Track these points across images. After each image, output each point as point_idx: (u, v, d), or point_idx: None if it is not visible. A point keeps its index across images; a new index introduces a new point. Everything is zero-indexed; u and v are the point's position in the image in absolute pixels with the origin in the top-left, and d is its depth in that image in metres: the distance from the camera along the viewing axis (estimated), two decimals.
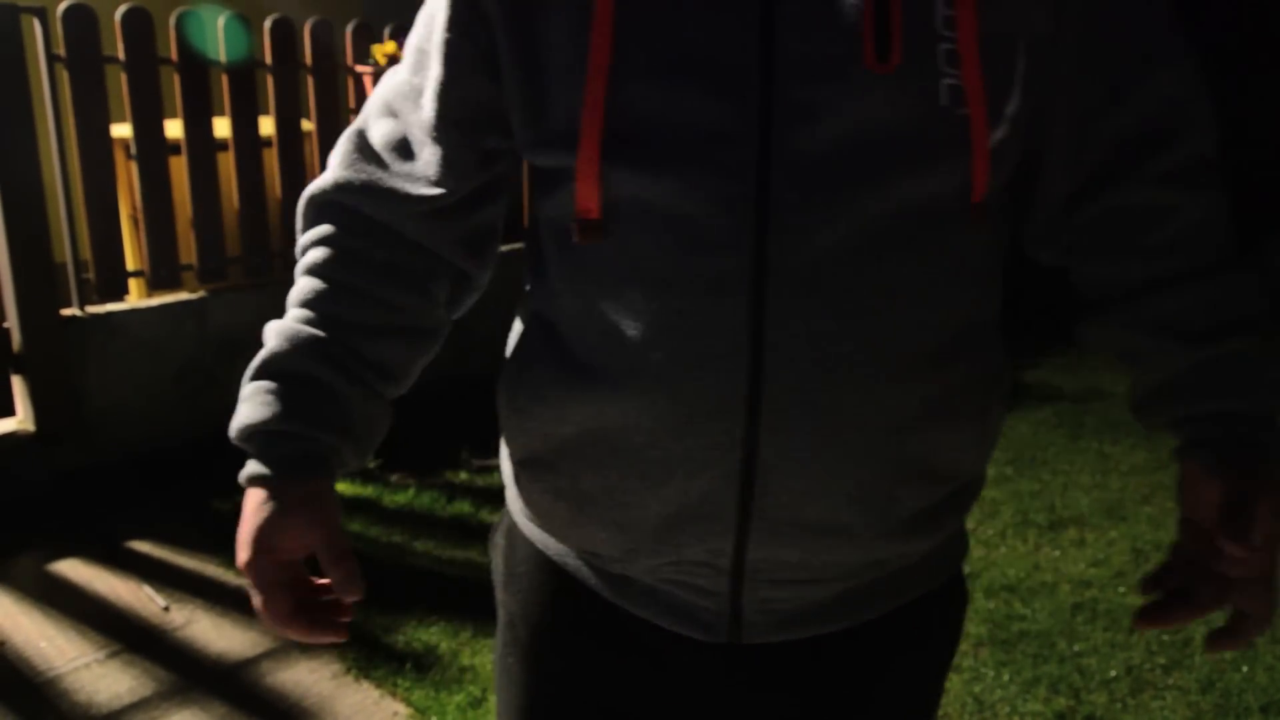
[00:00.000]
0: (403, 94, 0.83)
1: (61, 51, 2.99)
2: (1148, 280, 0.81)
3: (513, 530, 0.93)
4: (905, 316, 0.73)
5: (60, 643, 2.30)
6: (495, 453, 0.86)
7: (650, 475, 0.76)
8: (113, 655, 2.26)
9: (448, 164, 0.81)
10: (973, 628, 2.40)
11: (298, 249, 0.85)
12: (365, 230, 0.82)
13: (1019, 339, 0.88)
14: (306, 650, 2.28)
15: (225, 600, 2.49)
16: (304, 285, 0.83)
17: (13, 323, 2.98)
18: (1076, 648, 2.34)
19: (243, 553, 0.76)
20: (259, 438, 0.78)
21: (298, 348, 0.79)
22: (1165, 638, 2.38)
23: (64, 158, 3.08)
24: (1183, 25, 0.80)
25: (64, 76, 3.00)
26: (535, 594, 0.90)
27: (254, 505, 0.76)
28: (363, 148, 0.84)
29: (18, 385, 3.04)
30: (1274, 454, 0.78)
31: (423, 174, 0.81)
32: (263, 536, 0.75)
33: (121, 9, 3.07)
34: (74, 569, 2.61)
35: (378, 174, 0.82)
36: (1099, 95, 0.78)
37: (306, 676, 2.20)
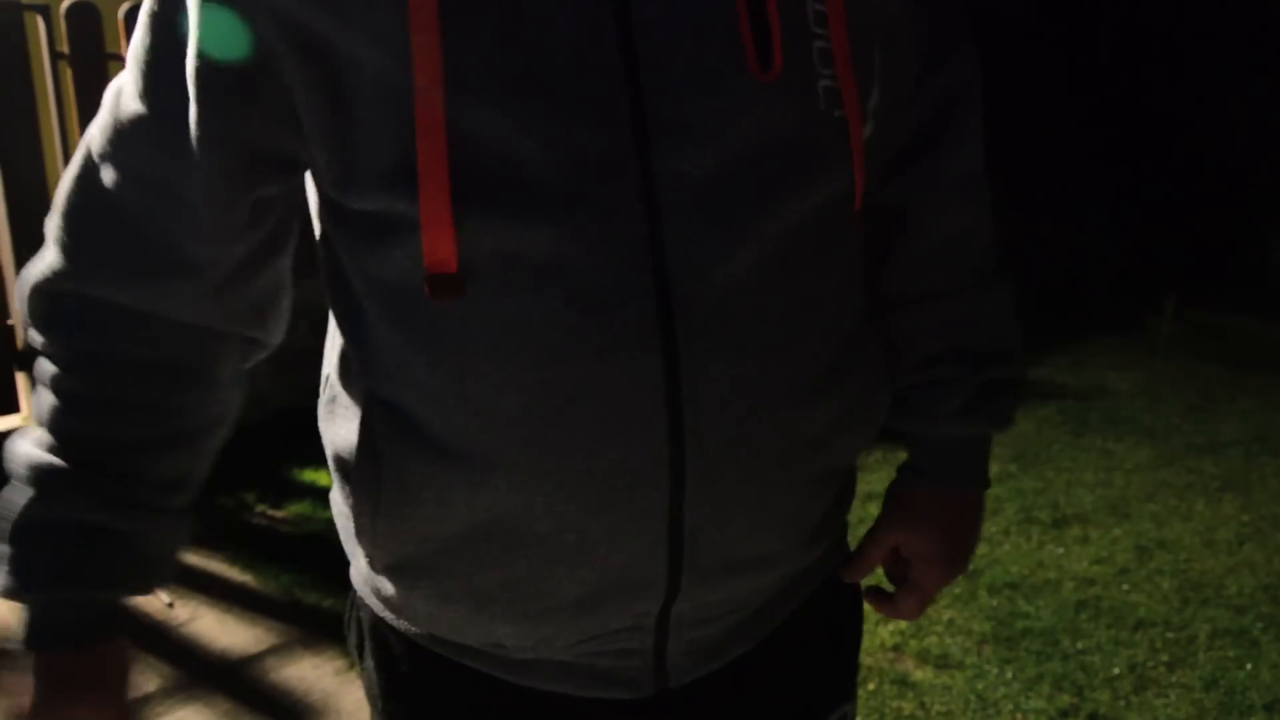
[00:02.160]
0: (143, 136, 0.64)
1: (65, 49, 2.99)
2: (893, 294, 0.82)
3: (379, 629, 0.80)
4: (813, 333, 0.68)
5: None
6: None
7: (564, 560, 0.67)
8: None
9: (218, 229, 0.65)
10: (976, 625, 2.40)
11: (38, 346, 0.68)
12: (123, 328, 0.66)
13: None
14: (310, 647, 2.29)
15: (229, 596, 2.49)
16: (56, 405, 0.67)
17: (17, 319, 2.99)
18: (1080, 645, 2.34)
19: None
20: (31, 607, 0.66)
21: (62, 493, 0.65)
22: (1170, 635, 2.38)
23: (67, 154, 3.08)
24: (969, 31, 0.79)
25: (67, 74, 3.01)
26: (427, 694, 0.79)
27: (25, 686, 0.67)
28: (102, 216, 0.65)
29: (22, 382, 3.05)
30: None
31: (189, 248, 0.64)
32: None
33: (125, 7, 3.07)
34: None
35: (129, 253, 0.65)
36: (903, 89, 0.74)
37: (310, 673, 2.21)
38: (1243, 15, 5.37)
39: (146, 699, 2.11)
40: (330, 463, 0.74)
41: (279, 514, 2.91)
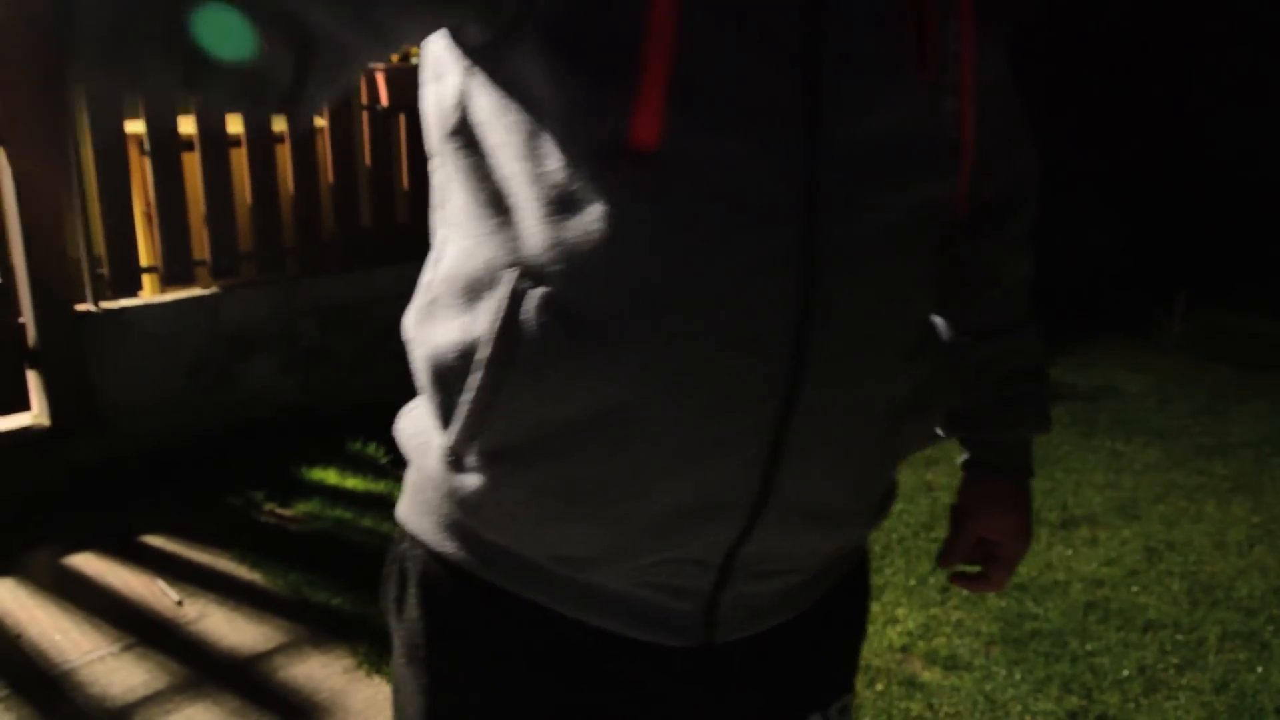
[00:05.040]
0: None
1: None
2: (974, 328, 0.95)
3: (429, 570, 0.82)
4: (913, 308, 0.78)
5: (75, 636, 2.32)
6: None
7: (666, 464, 0.70)
8: (126, 649, 2.27)
9: None
10: (984, 626, 2.39)
11: None
12: None
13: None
14: (319, 645, 2.29)
15: (238, 595, 2.50)
16: None
17: (28, 318, 3.00)
18: (1089, 647, 2.33)
19: None
20: None
21: None
22: (1179, 637, 2.37)
23: (79, 154, 3.09)
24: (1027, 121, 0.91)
25: None
26: (474, 634, 0.81)
27: None
28: None
29: (33, 380, 3.06)
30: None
31: None
32: None
33: None
34: (88, 563, 2.63)
35: None
36: (985, 150, 0.82)
37: (319, 671, 2.21)
38: (1253, 14, 5.34)
39: (154, 697, 2.11)
40: (422, 367, 0.75)
41: (287, 513, 2.92)
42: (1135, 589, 2.59)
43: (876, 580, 2.59)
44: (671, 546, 0.74)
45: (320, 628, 2.35)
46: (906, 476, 0.77)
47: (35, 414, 3.08)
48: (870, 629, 2.37)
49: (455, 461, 0.75)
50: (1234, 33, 5.45)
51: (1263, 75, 5.32)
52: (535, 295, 0.68)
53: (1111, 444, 3.48)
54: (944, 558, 1.00)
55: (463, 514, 0.78)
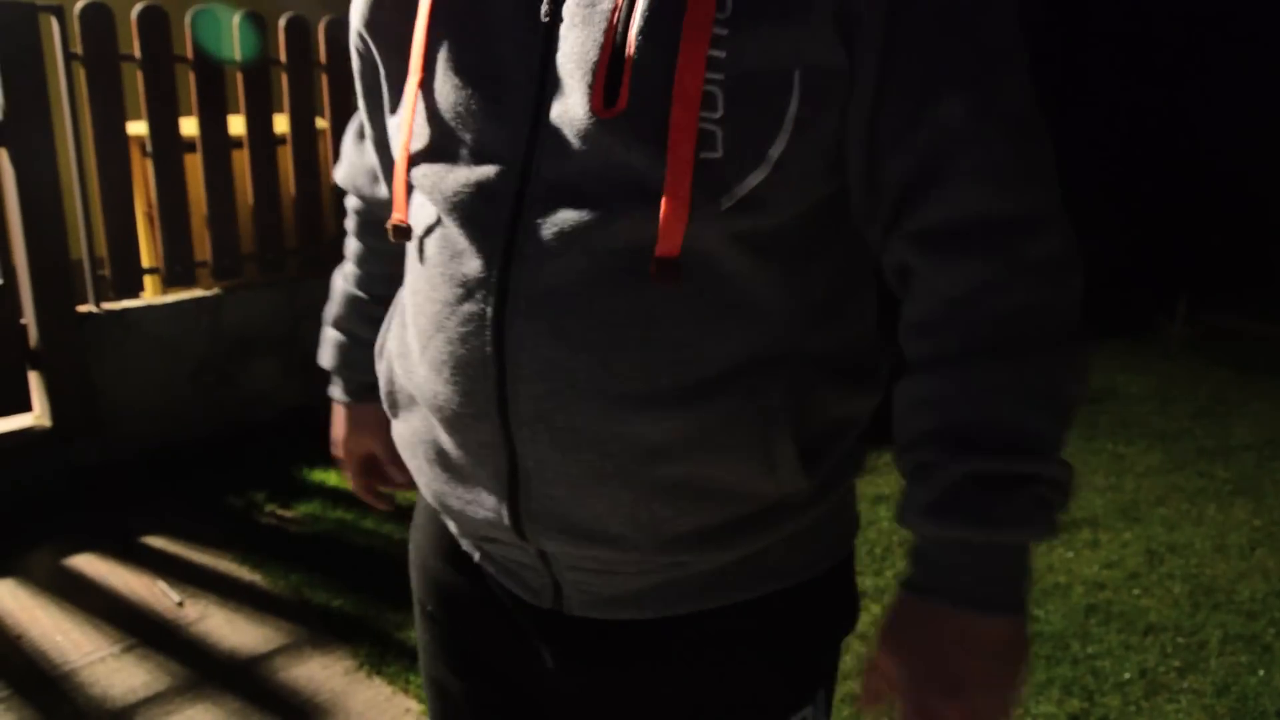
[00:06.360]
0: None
1: (79, 50, 3.00)
2: (907, 364, 0.75)
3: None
4: (649, 350, 0.71)
5: (76, 637, 2.32)
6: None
7: (449, 464, 0.83)
8: (127, 650, 2.27)
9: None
10: None
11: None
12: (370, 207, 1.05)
13: None
14: (320, 646, 2.29)
15: (239, 596, 2.50)
16: (352, 245, 1.10)
17: (29, 319, 3.00)
18: (1090, 650, 2.33)
19: (334, 449, 1.16)
20: (331, 374, 1.13)
21: (348, 311, 1.10)
22: (1181, 640, 2.37)
23: (80, 155, 3.10)
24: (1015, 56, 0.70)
25: (81, 74, 3.02)
26: (426, 541, 0.99)
27: (335, 419, 1.15)
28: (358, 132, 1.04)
29: (34, 381, 3.06)
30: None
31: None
32: (341, 441, 1.14)
33: (138, 8, 3.08)
34: (89, 564, 2.63)
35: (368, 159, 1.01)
36: (884, 138, 0.70)
37: (319, 672, 2.21)
38: (1253, 17, 5.35)
39: (155, 697, 2.11)
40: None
41: (289, 514, 2.92)
42: (1136, 592, 2.58)
43: (877, 582, 2.59)
44: (491, 532, 0.83)
45: (321, 629, 2.35)
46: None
47: (37, 415, 3.08)
48: (871, 631, 2.36)
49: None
50: (1238, 33, 5.46)
51: (1264, 76, 5.32)
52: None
53: (1113, 446, 3.48)
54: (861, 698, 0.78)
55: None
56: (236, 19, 3.27)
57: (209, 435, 3.24)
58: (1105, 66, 5.70)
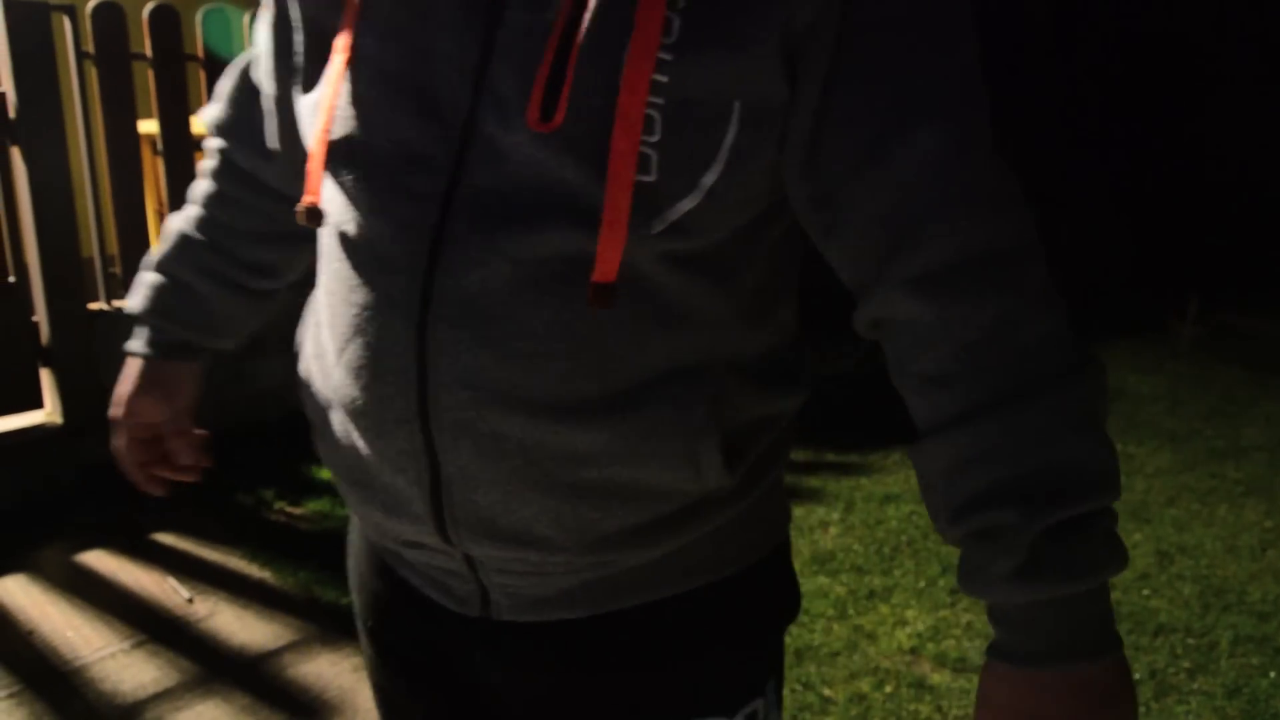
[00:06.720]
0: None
1: (90, 49, 3.02)
2: (924, 422, 0.71)
3: None
4: (575, 358, 0.71)
5: (86, 633, 2.33)
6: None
7: (369, 471, 0.80)
8: (137, 645, 2.28)
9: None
10: None
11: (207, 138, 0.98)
12: (246, 160, 0.96)
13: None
14: (328, 643, 2.30)
15: (248, 592, 2.51)
16: (202, 189, 0.99)
17: (41, 316, 3.02)
18: None
19: (112, 409, 1.02)
20: (135, 322, 1.00)
21: (177, 253, 0.98)
22: (1191, 641, 2.36)
23: (92, 153, 3.11)
24: (977, 80, 0.67)
25: (93, 73, 3.03)
26: (359, 560, 0.98)
27: (126, 374, 1.01)
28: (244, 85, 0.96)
29: (46, 378, 3.08)
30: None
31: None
32: (125, 400, 1.02)
33: (149, 7, 3.10)
34: (100, 560, 2.64)
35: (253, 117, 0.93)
36: (845, 175, 0.68)
37: (328, 669, 2.22)
38: (1263, 19, 5.32)
39: (165, 693, 2.12)
40: None
41: (297, 511, 2.93)
42: (1146, 592, 2.57)
43: (885, 581, 2.58)
44: (413, 536, 0.81)
45: (330, 626, 2.36)
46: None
47: (48, 412, 3.09)
48: (879, 631, 2.36)
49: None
50: (1246, 35, 5.43)
51: (1276, 76, 5.29)
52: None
53: (1123, 447, 3.47)
54: None
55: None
56: (246, 18, 3.28)
57: (218, 432, 3.25)
58: (1117, 67, 5.68)
